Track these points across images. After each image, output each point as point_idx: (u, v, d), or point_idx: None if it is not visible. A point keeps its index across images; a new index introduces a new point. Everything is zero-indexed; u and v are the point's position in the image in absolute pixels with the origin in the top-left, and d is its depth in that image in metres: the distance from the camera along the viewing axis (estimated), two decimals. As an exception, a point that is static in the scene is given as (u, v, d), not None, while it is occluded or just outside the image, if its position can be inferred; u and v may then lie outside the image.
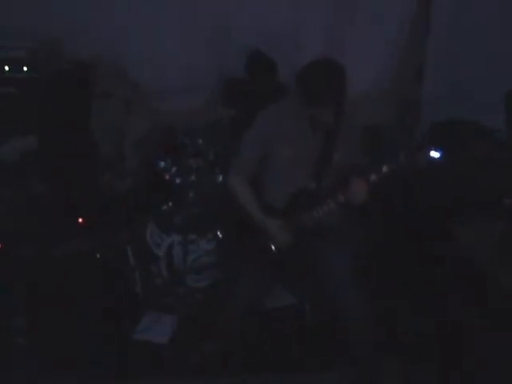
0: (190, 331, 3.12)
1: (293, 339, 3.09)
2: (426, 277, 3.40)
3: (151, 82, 4.19)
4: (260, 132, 2.58)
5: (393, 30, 4.29)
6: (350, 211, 2.60)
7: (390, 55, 4.36)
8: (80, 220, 3.47)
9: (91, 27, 4.05)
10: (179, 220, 3.28)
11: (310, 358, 2.95)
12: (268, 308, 3.22)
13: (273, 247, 2.59)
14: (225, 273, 3.25)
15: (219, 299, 3.08)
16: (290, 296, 3.29)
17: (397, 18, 4.26)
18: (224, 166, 3.26)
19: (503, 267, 3.13)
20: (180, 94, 4.06)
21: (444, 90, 4.12)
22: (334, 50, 4.10)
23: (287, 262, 2.66)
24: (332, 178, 2.60)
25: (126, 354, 2.94)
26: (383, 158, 2.48)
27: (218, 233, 3.25)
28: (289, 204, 2.61)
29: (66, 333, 2.96)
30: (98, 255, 3.38)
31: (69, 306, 3.07)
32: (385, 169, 2.44)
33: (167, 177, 3.38)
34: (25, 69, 3.84)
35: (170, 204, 3.33)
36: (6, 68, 3.82)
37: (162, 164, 3.39)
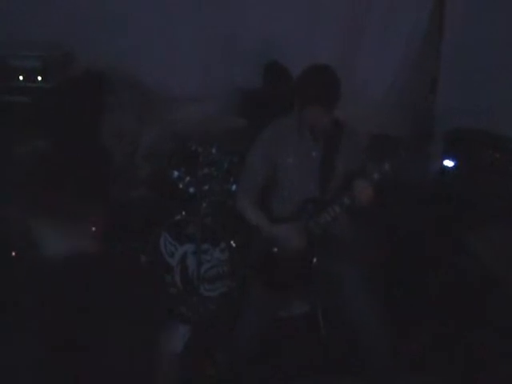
0: (203, 341, 3.11)
1: (307, 347, 3.08)
2: (436, 286, 3.38)
3: (164, 91, 4.21)
4: (263, 151, 2.65)
5: (406, 40, 4.29)
6: (356, 217, 2.61)
7: (404, 65, 4.36)
8: (93, 229, 3.47)
9: (104, 36, 4.08)
10: (193, 230, 3.28)
11: (324, 366, 2.94)
12: (283, 316, 3.20)
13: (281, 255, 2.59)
14: (238, 283, 3.24)
15: (233, 309, 3.06)
16: (304, 304, 3.27)
17: (410, 28, 4.26)
18: (238, 176, 3.25)
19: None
20: (193, 102, 4.08)
21: (458, 99, 4.11)
22: (346, 61, 4.12)
23: (298, 271, 2.65)
24: (336, 186, 2.63)
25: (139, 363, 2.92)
26: (388, 163, 2.47)
27: (232, 242, 3.24)
28: (296, 213, 2.61)
29: (77, 340, 2.94)
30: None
31: (81, 314, 3.06)
32: (387, 166, 2.44)
33: (181, 186, 3.38)
34: (39, 78, 3.87)
35: (184, 213, 3.33)
36: (21, 78, 3.86)
37: (176, 173, 3.39)
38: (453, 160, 3.78)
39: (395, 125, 4.19)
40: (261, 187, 2.68)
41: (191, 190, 3.37)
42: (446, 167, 3.79)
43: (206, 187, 3.34)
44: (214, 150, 3.43)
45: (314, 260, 2.60)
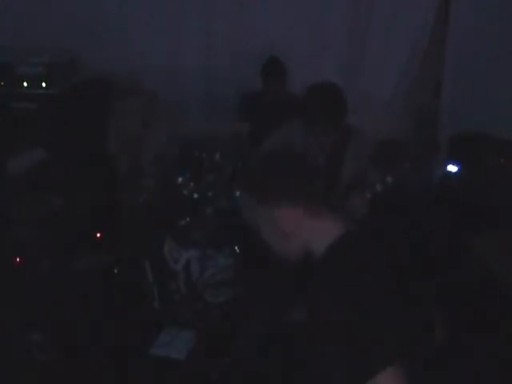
0: (207, 347, 3.09)
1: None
2: (444, 291, 3.36)
3: (169, 97, 4.22)
4: None
5: (410, 43, 4.29)
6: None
7: (408, 69, 4.36)
8: (98, 235, 3.47)
9: (109, 42, 4.09)
10: (197, 235, 3.27)
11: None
12: (295, 320, 3.18)
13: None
14: (243, 289, 3.23)
15: (237, 315, 3.05)
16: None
17: (415, 31, 4.26)
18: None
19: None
20: (197, 108, 4.09)
21: (462, 103, 4.10)
22: (349, 65, 4.13)
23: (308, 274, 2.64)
24: (341, 192, 2.63)
25: (143, 369, 2.92)
26: (393, 170, 2.49)
27: (236, 248, 3.23)
28: None
29: (83, 347, 2.94)
30: (115, 270, 3.37)
31: (85, 320, 3.06)
32: (389, 179, 2.45)
33: (185, 192, 3.38)
34: (43, 85, 3.88)
35: (188, 219, 3.32)
36: (25, 84, 3.87)
37: (180, 179, 3.40)
38: (457, 165, 3.78)
39: (399, 129, 4.20)
40: None
41: (195, 195, 3.37)
42: (450, 172, 3.78)
43: (211, 193, 3.35)
44: (218, 156, 3.44)
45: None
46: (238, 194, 3.37)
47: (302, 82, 3.85)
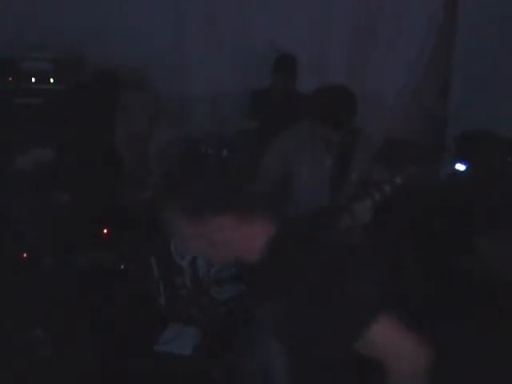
0: (212, 344, 3.09)
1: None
2: (450, 293, 3.35)
3: (175, 93, 4.22)
4: (278, 156, 2.66)
5: (418, 42, 4.28)
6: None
7: (415, 68, 4.35)
8: (105, 231, 3.48)
9: (116, 39, 4.09)
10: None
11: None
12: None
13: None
14: (247, 285, 3.23)
15: (242, 312, 3.05)
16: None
17: (422, 30, 4.24)
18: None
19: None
20: (204, 104, 4.09)
21: (469, 102, 4.09)
22: (357, 65, 4.12)
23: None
24: (349, 194, 2.63)
25: (148, 365, 2.92)
26: (401, 170, 2.49)
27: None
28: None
29: (89, 344, 2.95)
30: (121, 266, 3.37)
31: (91, 316, 3.07)
32: (398, 180, 2.45)
33: (191, 188, 3.37)
34: (51, 80, 3.89)
35: (194, 215, 3.31)
36: (33, 79, 3.88)
37: (187, 175, 3.38)
38: (464, 163, 3.77)
39: (407, 128, 4.19)
40: (274, 190, 2.67)
41: (202, 191, 3.36)
42: (458, 171, 3.77)
43: (217, 189, 3.34)
44: (224, 152, 3.42)
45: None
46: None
47: (308, 81, 3.87)
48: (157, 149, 4.08)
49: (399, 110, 4.30)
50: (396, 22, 4.21)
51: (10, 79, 3.87)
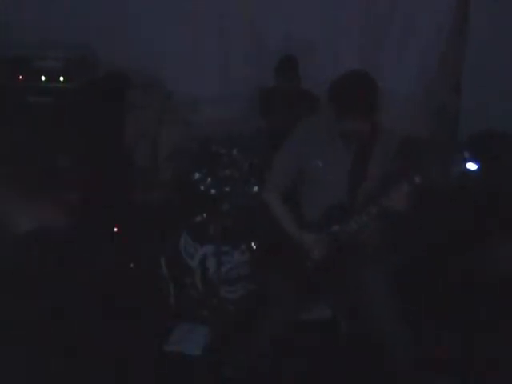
0: (222, 343, 3.09)
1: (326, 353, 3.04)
2: (458, 290, 3.34)
3: (185, 92, 4.21)
4: (292, 148, 2.58)
5: (430, 41, 4.25)
6: (383, 225, 2.57)
7: (428, 66, 4.32)
8: (115, 229, 3.47)
9: (126, 37, 4.09)
10: (213, 231, 3.26)
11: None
12: (301, 319, 3.17)
13: (308, 261, 2.56)
14: (258, 285, 3.22)
15: (252, 311, 3.04)
16: (326, 310, 3.23)
17: (434, 29, 4.21)
18: (259, 177, 3.24)
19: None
20: (214, 103, 4.08)
21: (482, 101, 4.06)
22: (369, 61, 4.09)
23: (323, 276, 2.62)
24: (367, 191, 2.57)
25: (158, 365, 2.92)
26: (418, 169, 2.44)
27: (252, 244, 3.22)
28: (323, 218, 2.56)
29: (98, 343, 2.94)
30: (131, 266, 3.38)
31: (101, 316, 3.06)
32: (417, 180, 2.40)
33: (202, 188, 3.37)
34: (61, 79, 3.88)
35: (204, 215, 3.31)
36: (43, 78, 3.87)
37: (197, 175, 3.39)
38: (476, 163, 3.73)
39: (420, 126, 4.16)
40: (288, 183, 2.62)
41: (212, 191, 3.36)
42: (469, 170, 3.74)
43: (227, 189, 3.34)
44: (235, 152, 3.42)
45: (339, 266, 2.57)
46: (255, 189, 3.36)
47: (320, 81, 3.84)
48: (167, 148, 4.09)
49: (411, 110, 4.27)
50: (409, 21, 4.16)
51: (21, 77, 3.86)
